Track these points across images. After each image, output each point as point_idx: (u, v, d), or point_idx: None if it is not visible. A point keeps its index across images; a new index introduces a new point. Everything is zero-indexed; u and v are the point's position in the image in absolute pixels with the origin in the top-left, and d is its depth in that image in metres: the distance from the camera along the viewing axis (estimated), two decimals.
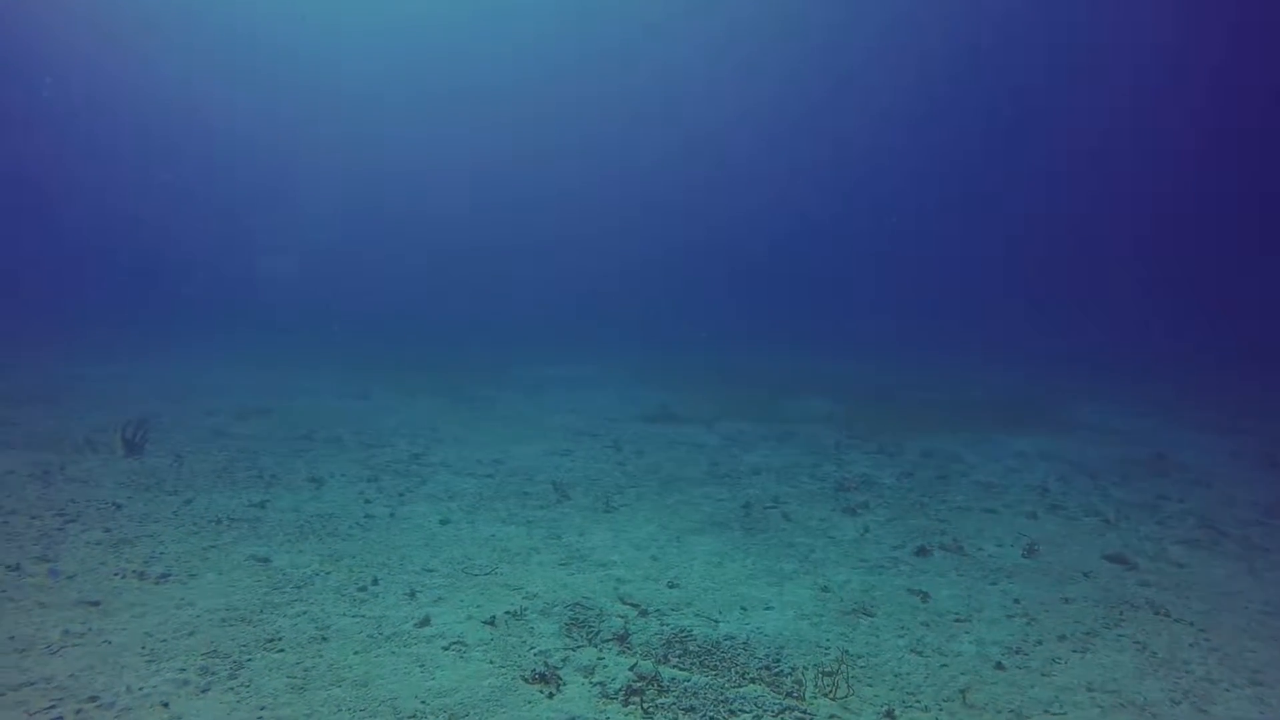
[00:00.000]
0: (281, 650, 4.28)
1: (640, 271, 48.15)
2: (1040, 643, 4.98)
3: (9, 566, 5.33)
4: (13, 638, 4.31)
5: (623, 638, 4.78)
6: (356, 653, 4.33)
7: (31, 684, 3.84)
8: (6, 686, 3.81)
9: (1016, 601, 5.65)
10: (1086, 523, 7.78)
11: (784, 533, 7.28)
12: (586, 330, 30.90)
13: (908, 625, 5.19)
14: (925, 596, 5.68)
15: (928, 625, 5.20)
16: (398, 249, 45.75)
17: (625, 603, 5.36)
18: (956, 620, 5.29)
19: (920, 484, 9.34)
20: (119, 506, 6.80)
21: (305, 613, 4.82)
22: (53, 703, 3.69)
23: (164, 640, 4.33)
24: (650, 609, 5.28)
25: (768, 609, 5.42)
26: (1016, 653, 4.83)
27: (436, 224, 49.25)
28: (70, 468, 7.91)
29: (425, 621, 4.77)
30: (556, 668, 4.29)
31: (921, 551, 6.72)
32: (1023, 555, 6.69)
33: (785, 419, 13.58)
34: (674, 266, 49.89)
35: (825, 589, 5.81)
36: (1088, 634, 5.14)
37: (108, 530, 6.18)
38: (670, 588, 5.72)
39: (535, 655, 4.44)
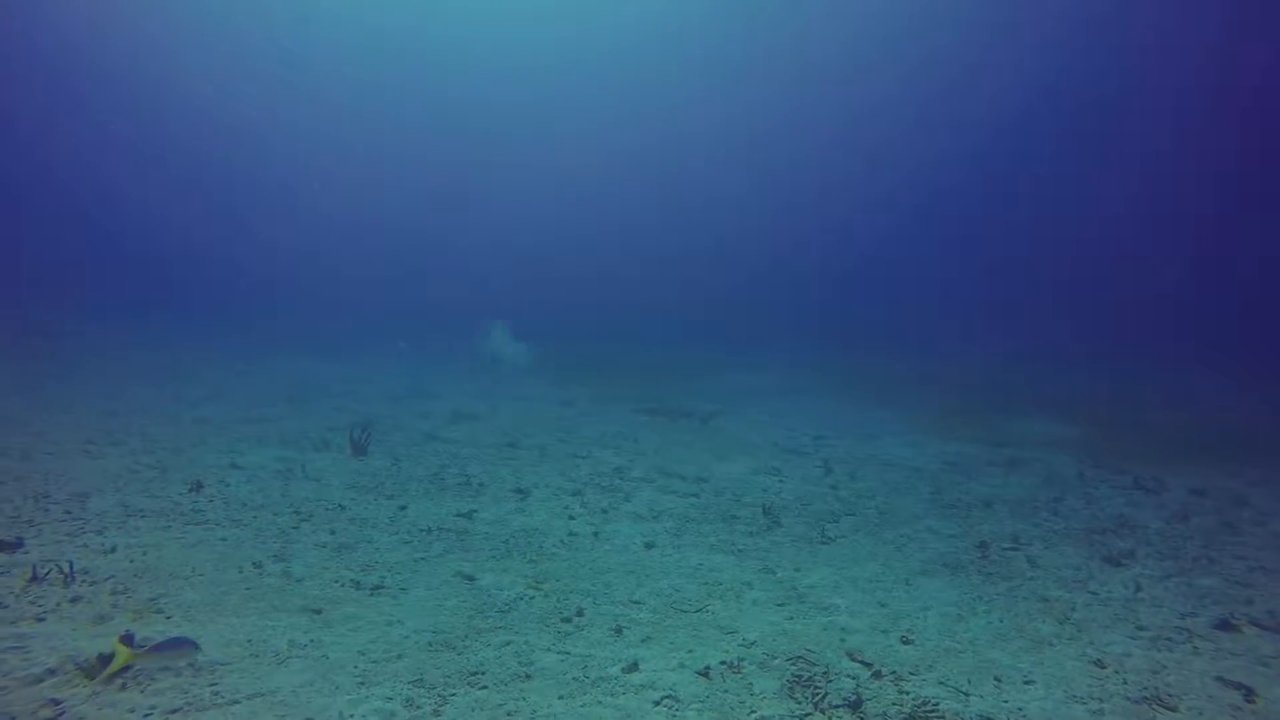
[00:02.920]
0: (484, 687, 4.05)
1: (770, 277, 46.71)
2: None
3: (255, 564, 5.60)
4: (250, 640, 4.42)
5: (855, 705, 4.11)
6: (561, 698, 4.00)
7: (261, 694, 3.87)
8: (242, 694, 3.86)
9: None
10: None
11: (1032, 582, 6.21)
12: (754, 335, 29.88)
13: None
14: (1249, 693, 4.47)
15: None
16: (578, 259, 47.14)
17: (854, 659, 4.67)
18: None
19: (1200, 532, 7.76)
20: (343, 508, 7.10)
21: (509, 644, 4.60)
22: (278, 717, 3.67)
23: (375, 662, 4.26)
24: (884, 670, 4.56)
25: (1028, 683, 4.50)
26: None
27: (605, 234, 50.56)
28: (308, 465, 8.45)
29: (634, 666, 4.37)
30: None
31: (1225, 625, 5.41)
32: None
33: (1009, 441, 12.07)
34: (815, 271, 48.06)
35: (1099, 664, 4.77)
36: None
37: (332, 533, 6.41)
38: (904, 644, 4.95)
39: None
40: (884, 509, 8.27)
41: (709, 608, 5.37)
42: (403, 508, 7.26)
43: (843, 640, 4.95)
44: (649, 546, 6.63)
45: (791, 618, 5.29)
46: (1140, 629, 5.36)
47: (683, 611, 5.27)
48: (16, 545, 5.65)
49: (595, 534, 6.86)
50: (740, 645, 4.77)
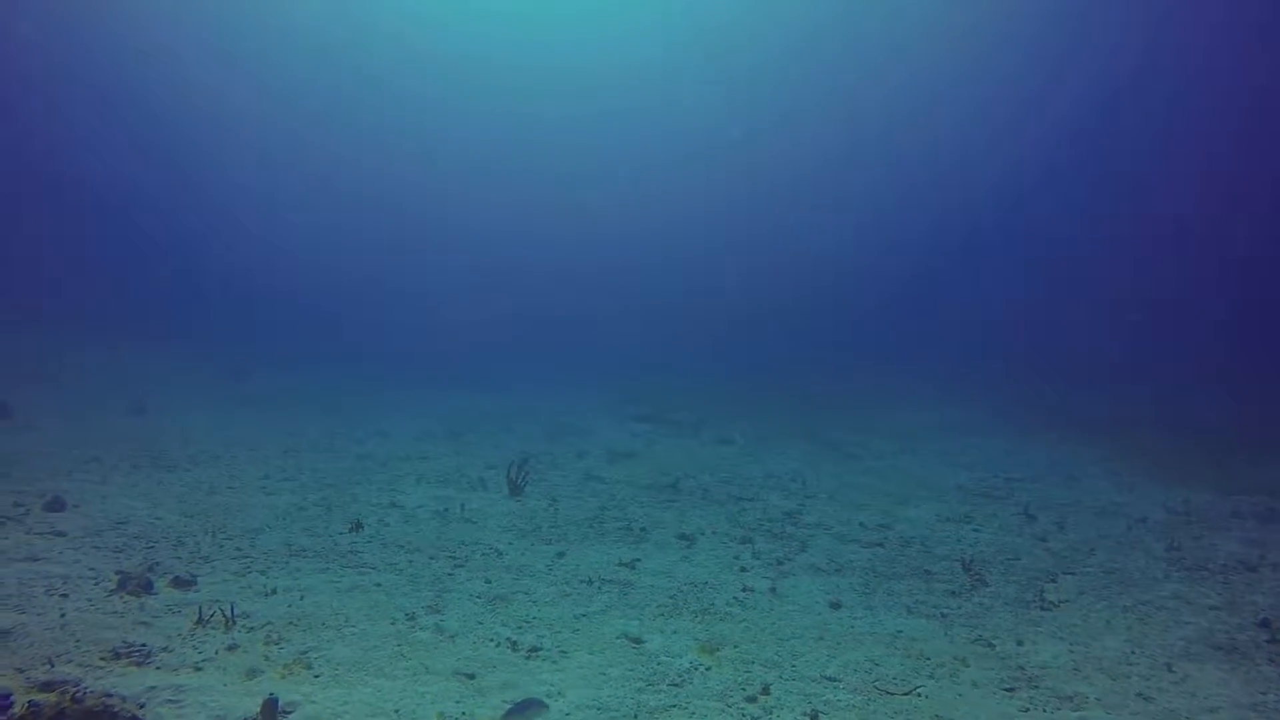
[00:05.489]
0: None
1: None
2: None
3: (408, 615, 5.26)
4: (397, 711, 3.99)
5: None
6: None
7: None
8: None
9: None
10: None
11: None
12: (899, 357, 27.45)
13: None
14: None
15: None
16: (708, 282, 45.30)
17: None
18: None
19: None
20: (500, 553, 6.71)
21: None
22: None
23: None
24: None
25: None
26: None
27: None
28: (465, 505, 8.21)
29: None
30: None
31: None
32: None
33: (1254, 488, 10.12)
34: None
35: None
36: None
37: (488, 581, 6.00)
38: None
39: None
40: (1110, 568, 6.95)
41: (920, 690, 4.44)
42: (561, 554, 6.78)
43: None
44: (835, 606, 5.75)
45: (1027, 709, 4.26)
46: None
47: (889, 694, 4.38)
48: (190, 583, 5.64)
49: (772, 589, 6.06)
50: None
